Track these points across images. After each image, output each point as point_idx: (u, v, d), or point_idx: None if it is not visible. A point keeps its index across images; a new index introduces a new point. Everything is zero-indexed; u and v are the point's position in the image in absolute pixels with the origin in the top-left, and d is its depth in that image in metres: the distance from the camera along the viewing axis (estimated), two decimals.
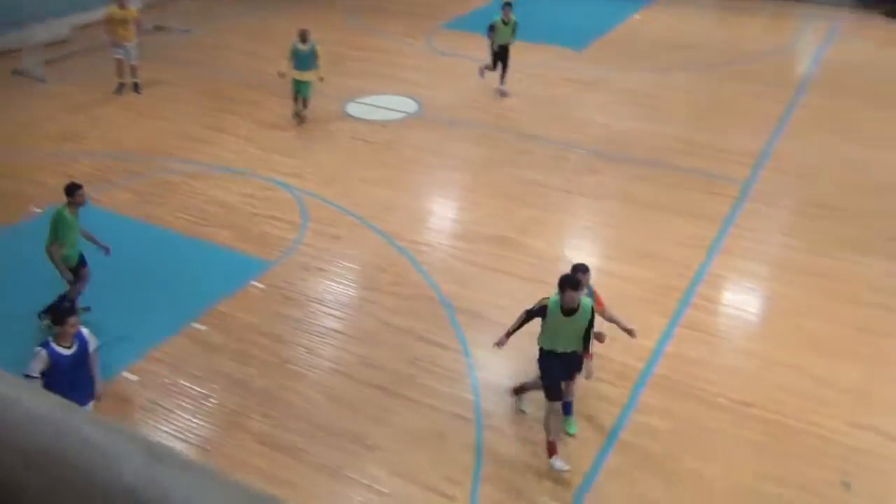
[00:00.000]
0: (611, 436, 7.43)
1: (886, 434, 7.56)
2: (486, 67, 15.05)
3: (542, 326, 7.10)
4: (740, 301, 9.68)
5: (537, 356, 7.21)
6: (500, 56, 14.82)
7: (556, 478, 6.95)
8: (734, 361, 8.48)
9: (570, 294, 6.76)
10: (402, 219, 11.08)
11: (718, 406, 7.74)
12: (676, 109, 15.00)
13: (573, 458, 7.14)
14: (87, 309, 8.64)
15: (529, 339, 8.69)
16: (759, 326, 9.30)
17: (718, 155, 13.11)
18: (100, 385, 6.82)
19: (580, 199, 11.82)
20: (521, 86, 15.59)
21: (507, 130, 13.91)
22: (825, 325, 9.03)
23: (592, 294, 7.38)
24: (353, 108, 14.70)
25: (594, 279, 9.99)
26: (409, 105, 14.91)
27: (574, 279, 6.83)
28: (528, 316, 7.13)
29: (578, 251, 10.66)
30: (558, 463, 6.94)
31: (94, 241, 8.58)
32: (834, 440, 7.47)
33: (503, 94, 15.15)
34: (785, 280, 9.99)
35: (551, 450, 6.99)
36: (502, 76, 15.07)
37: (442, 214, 11.65)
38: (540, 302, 7.05)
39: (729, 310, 9.51)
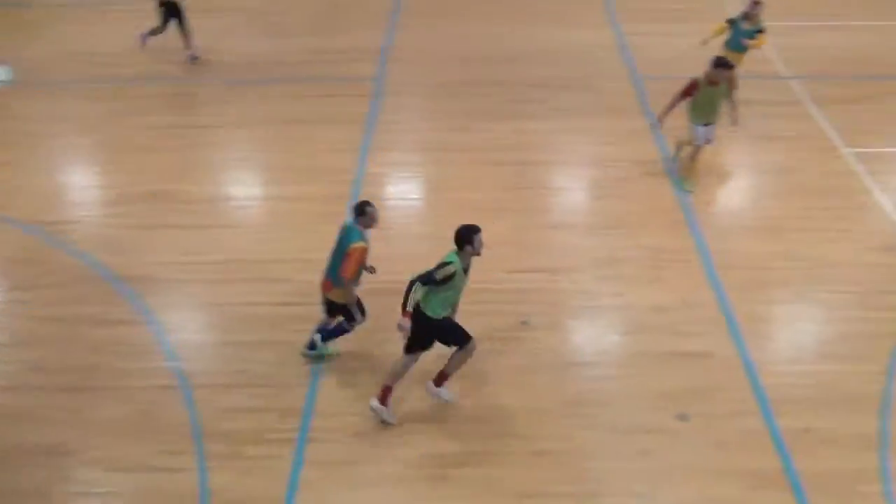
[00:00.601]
0: (318, 352, 7.55)
1: (545, 270, 8.66)
2: (152, 32, 12.99)
3: (438, 296, 6.50)
4: (402, 191, 10.22)
5: (437, 327, 6.63)
6: (172, 13, 12.71)
7: (282, 410, 6.97)
8: (412, 248, 8.98)
9: (479, 240, 6.44)
10: (33, 201, 9.82)
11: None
12: (294, 20, 14.89)
13: (283, 389, 7.19)
14: None
15: (212, 285, 8.42)
16: (423, 209, 9.94)
17: (346, 57, 13.38)
18: None
19: (225, 132, 11.40)
20: (128, 26, 14.30)
21: (117, 80, 12.76)
22: (477, 192, 9.90)
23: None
24: None
25: (265, 208, 9.91)
26: None
27: (476, 226, 6.45)
28: (431, 282, 6.39)
29: (239, 185, 10.40)
30: (447, 394, 6.99)
31: None
32: (508, 289, 8.36)
33: (194, 58, 13.13)
34: (434, 161, 10.72)
35: (441, 380, 6.92)
36: (185, 38, 12.98)
37: (80, 184, 10.53)
38: (444, 272, 6.35)
39: (394, 202, 10.00)
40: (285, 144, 11.05)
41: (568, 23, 14.63)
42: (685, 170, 9.99)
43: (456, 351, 6.84)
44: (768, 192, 10.07)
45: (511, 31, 14.31)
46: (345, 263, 6.76)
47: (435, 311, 6.59)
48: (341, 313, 7.26)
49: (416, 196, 10.13)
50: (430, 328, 6.66)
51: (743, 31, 10.87)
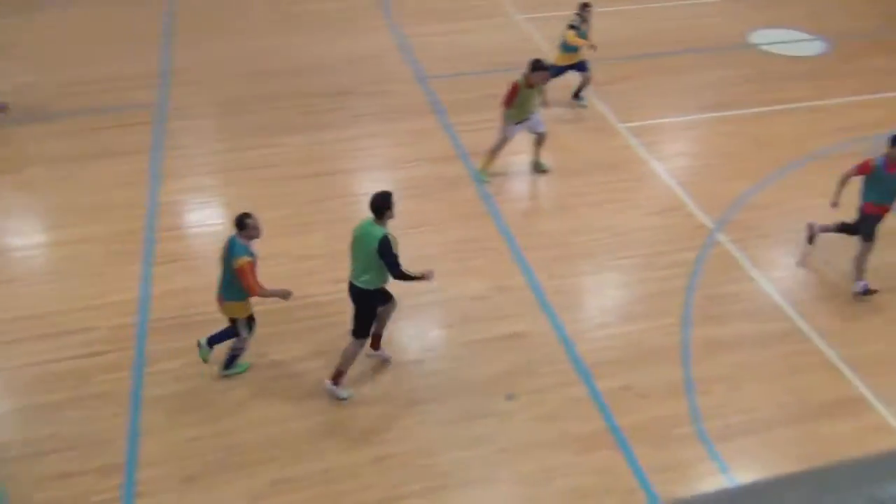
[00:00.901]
0: (133, 400, 7.09)
1: None
2: None
3: (380, 266, 6.64)
4: (200, 218, 9.79)
5: (372, 299, 6.87)
6: None
7: (102, 468, 6.47)
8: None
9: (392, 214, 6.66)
10: None
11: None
12: (52, 51, 13.83)
13: (100, 446, 6.70)
14: None
15: (3, 348, 7.63)
16: (228, 235, 9.55)
17: (118, 86, 12.61)
18: None
19: None
20: None
21: None
22: (281, 209, 9.70)
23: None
24: None
25: (53, 255, 9.13)
26: None
27: (387, 191, 6.69)
28: (397, 261, 6.62)
29: (20, 234, 9.50)
30: (342, 392, 7.13)
31: None
32: (331, 301, 8.28)
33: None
34: (232, 182, 10.37)
35: (337, 378, 7.09)
36: None
37: None
38: (394, 245, 6.58)
39: (194, 230, 9.59)
40: (66, 184, 10.22)
41: (349, 29, 14.71)
42: (483, 162, 10.37)
43: (349, 344, 7.03)
44: (559, 173, 10.69)
45: (293, 43, 14.16)
46: (242, 283, 6.69)
47: (379, 281, 6.78)
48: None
49: (217, 221, 9.73)
50: (361, 298, 6.83)
51: (581, 34, 11.78)
